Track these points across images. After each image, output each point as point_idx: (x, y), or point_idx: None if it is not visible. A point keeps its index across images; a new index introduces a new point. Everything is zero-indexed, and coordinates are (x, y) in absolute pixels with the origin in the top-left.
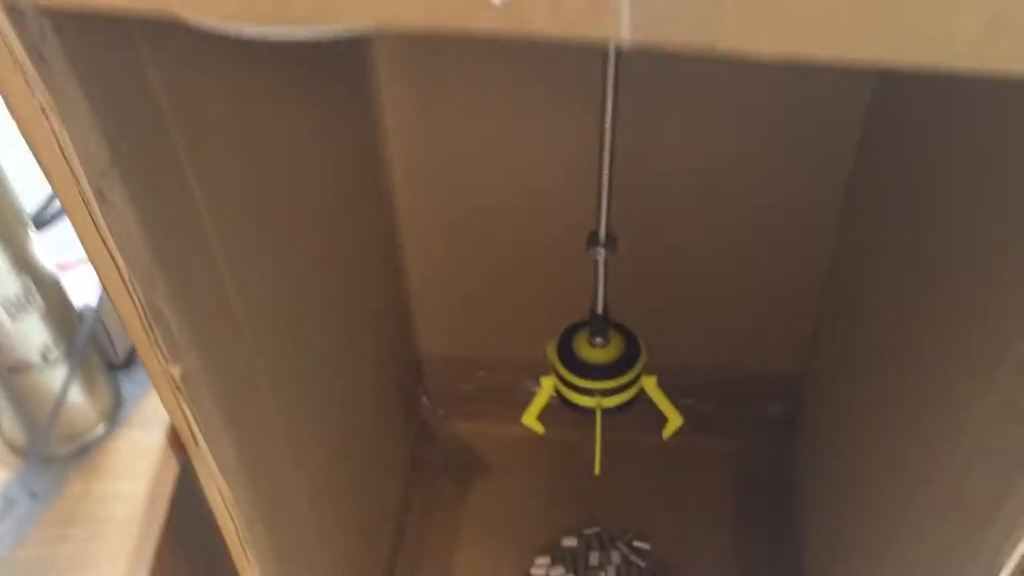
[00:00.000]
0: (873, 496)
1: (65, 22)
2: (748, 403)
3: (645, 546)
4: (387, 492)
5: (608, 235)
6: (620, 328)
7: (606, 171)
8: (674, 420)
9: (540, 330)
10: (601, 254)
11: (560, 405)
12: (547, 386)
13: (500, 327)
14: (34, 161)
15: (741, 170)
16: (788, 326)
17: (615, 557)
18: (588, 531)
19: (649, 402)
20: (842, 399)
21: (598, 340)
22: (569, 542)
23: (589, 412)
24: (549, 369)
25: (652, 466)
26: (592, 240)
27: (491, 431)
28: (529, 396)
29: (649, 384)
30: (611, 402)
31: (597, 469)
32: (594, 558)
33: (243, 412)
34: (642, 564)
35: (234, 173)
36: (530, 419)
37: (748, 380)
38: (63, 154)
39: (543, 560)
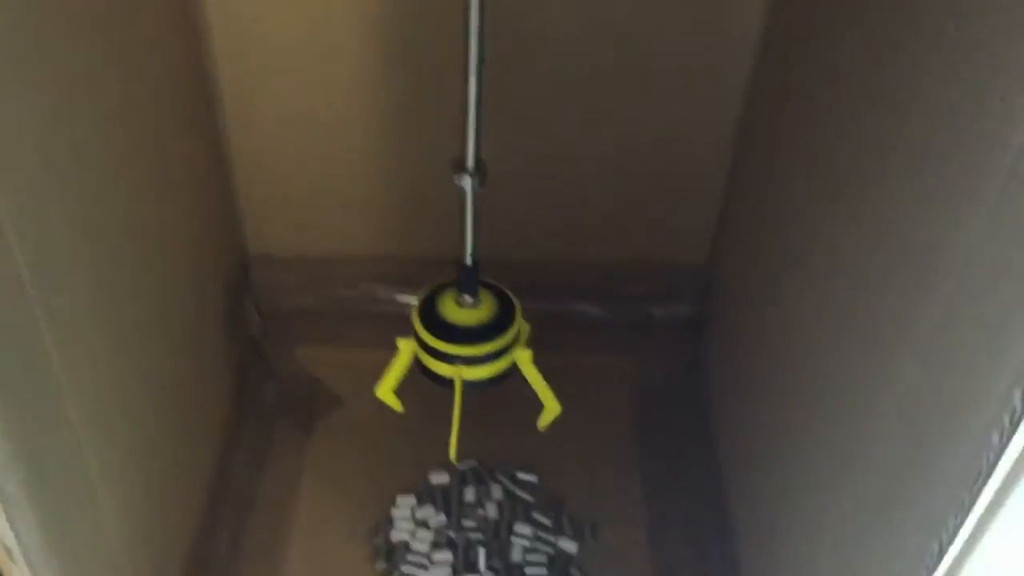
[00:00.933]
0: (805, 403)
1: None
2: (648, 305)
3: (531, 478)
4: (204, 442)
5: (478, 162)
6: (496, 291)
7: (473, 73)
8: (551, 407)
9: (397, 234)
10: (468, 184)
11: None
12: (405, 350)
13: (345, 228)
14: None
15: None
16: (691, 217)
17: (496, 492)
18: (461, 465)
19: (523, 383)
20: (756, 293)
21: (466, 299)
22: (439, 478)
23: (449, 385)
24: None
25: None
26: (458, 165)
27: (336, 357)
28: (384, 315)
29: (523, 359)
30: (473, 373)
31: (453, 455)
32: (470, 494)
33: None
34: (530, 499)
35: None
36: (385, 392)
37: (648, 278)
38: None
39: (406, 499)
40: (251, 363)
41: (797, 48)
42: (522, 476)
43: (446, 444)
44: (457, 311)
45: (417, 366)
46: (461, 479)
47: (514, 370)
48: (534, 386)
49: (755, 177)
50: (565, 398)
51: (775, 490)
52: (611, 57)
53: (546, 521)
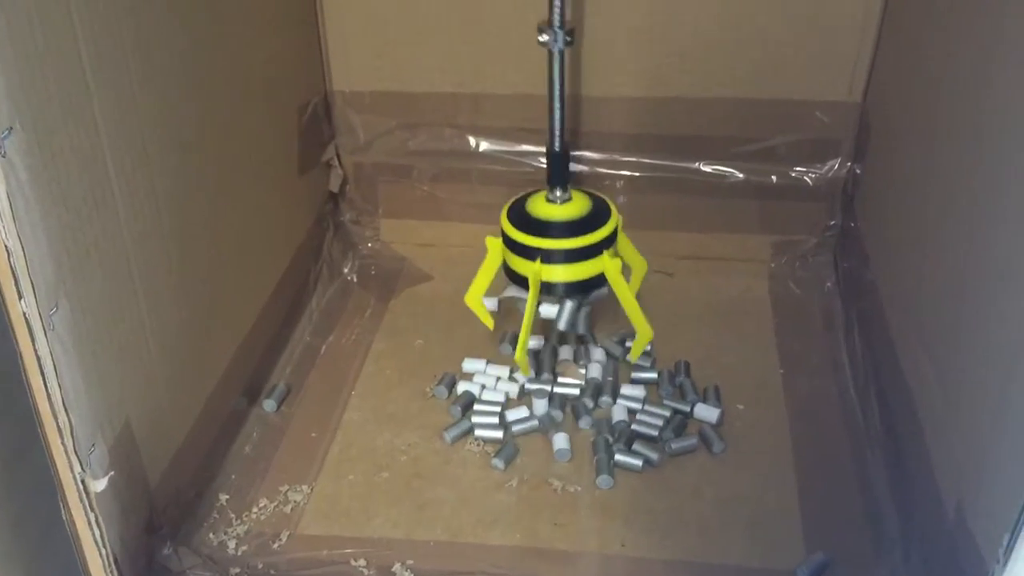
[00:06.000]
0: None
1: None
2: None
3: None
4: (267, 291)
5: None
6: (593, 197)
7: None
8: (642, 331)
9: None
10: (557, 40)
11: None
12: (493, 248)
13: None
14: None
15: None
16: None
17: (597, 354)
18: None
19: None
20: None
21: (556, 193)
22: (532, 341)
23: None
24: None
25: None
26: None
27: (421, 232)
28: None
29: (611, 268)
30: (552, 274)
31: (524, 371)
32: (567, 352)
33: None
34: (646, 365)
35: None
36: (474, 299)
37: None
38: None
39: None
40: (331, 227)
41: None
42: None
43: (540, 323)
44: (544, 206)
45: (504, 268)
46: (558, 339)
47: (600, 282)
48: (623, 303)
49: (909, 16)
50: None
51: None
52: None
53: (663, 383)
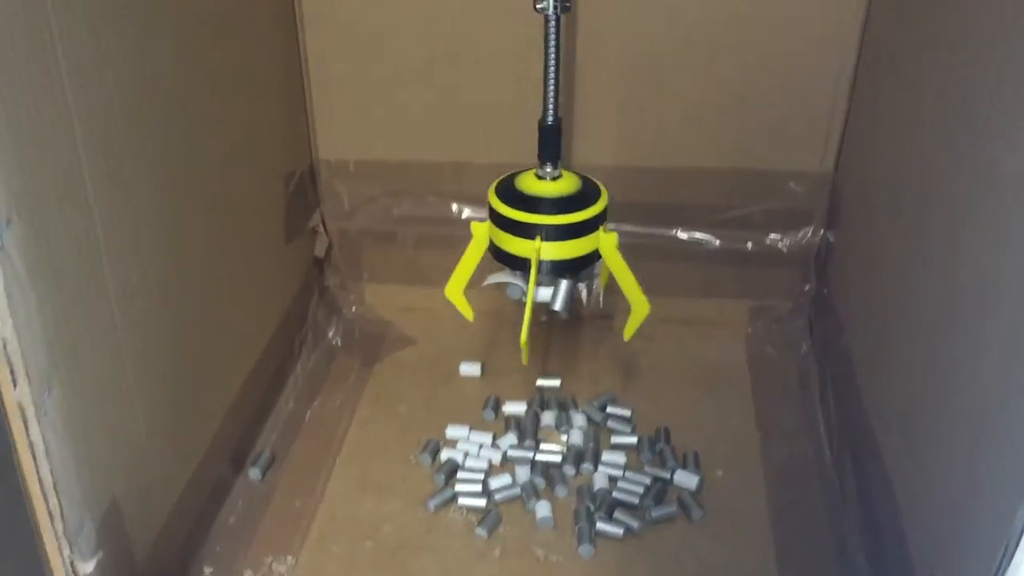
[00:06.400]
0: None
1: None
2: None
3: (624, 412)
4: (251, 360)
5: None
6: (578, 175)
7: None
8: (639, 306)
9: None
10: (557, 4)
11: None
12: (479, 233)
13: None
14: None
15: None
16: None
17: (579, 420)
18: (543, 382)
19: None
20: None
21: (547, 169)
22: (513, 408)
23: (527, 268)
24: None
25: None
26: None
27: (405, 295)
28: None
29: (607, 243)
30: (554, 252)
31: (524, 358)
32: (549, 419)
33: None
34: (623, 428)
35: None
36: (455, 291)
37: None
38: None
39: (465, 428)
40: (316, 293)
41: None
42: (614, 410)
43: (522, 383)
44: (537, 183)
45: (493, 252)
46: (540, 405)
47: (595, 258)
48: (619, 278)
49: (878, 87)
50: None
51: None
52: None
53: (643, 449)
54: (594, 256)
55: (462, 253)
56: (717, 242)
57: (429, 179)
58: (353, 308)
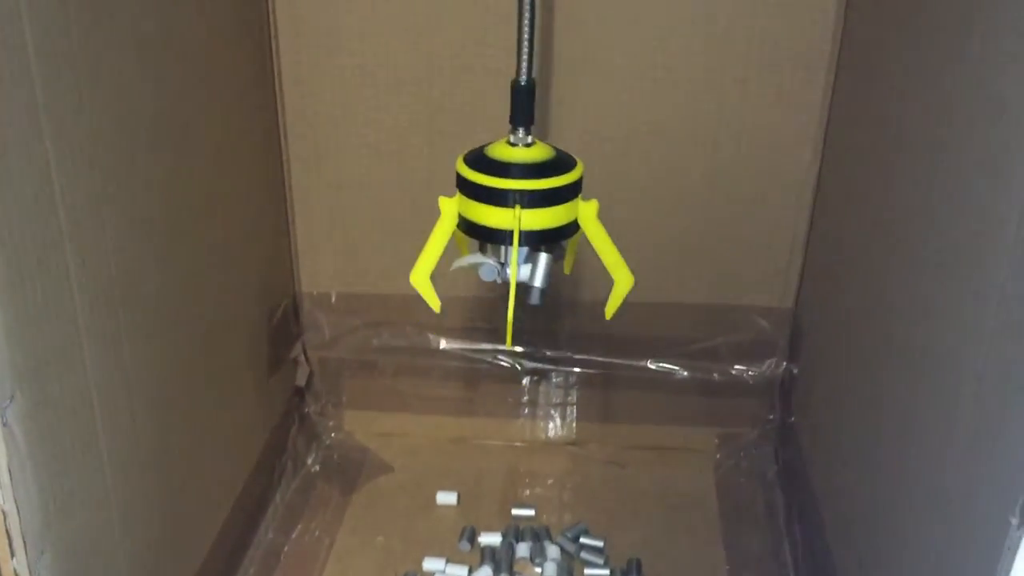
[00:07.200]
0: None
1: None
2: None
3: (597, 543)
4: (231, 493)
5: None
6: (550, 144)
7: None
8: (621, 279)
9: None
10: None
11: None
12: (448, 210)
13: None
14: None
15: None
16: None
17: (553, 552)
18: (518, 511)
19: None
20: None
21: (520, 135)
22: (489, 539)
23: (505, 240)
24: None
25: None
26: None
27: (385, 423)
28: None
29: (588, 213)
30: (535, 220)
31: (508, 341)
32: (523, 550)
33: None
34: (600, 563)
35: None
36: (421, 277)
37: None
38: None
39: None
40: (296, 420)
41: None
42: (587, 540)
43: (497, 513)
44: (510, 150)
45: (466, 228)
46: (515, 536)
47: (574, 229)
48: (599, 249)
49: (834, 232)
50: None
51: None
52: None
53: None
54: (573, 227)
55: (440, 381)
56: (685, 372)
57: (408, 310)
58: (333, 434)
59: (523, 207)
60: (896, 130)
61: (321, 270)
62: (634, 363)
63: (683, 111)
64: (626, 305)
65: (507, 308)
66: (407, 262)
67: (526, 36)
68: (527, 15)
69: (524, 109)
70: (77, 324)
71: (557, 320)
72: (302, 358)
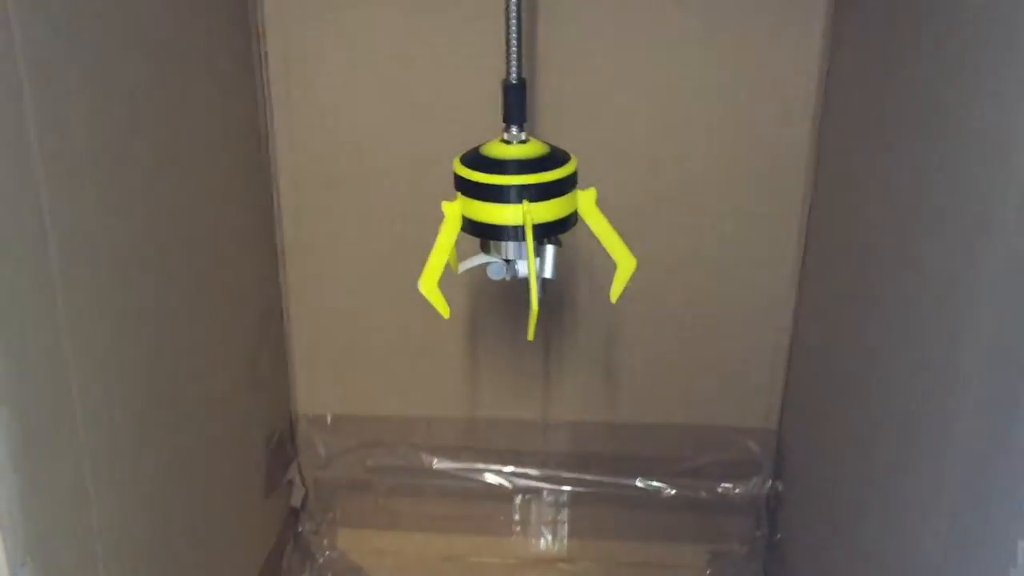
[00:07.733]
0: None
1: None
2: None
3: None
4: None
5: None
6: (542, 141)
7: None
8: (624, 262)
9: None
10: None
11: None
12: (452, 214)
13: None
14: None
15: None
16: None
17: None
18: None
19: None
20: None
21: (513, 132)
22: None
23: (515, 236)
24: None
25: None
26: None
27: (380, 542)
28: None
29: (587, 201)
30: (544, 212)
31: (531, 334)
32: None
33: None
34: None
35: None
36: (430, 285)
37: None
38: None
39: None
40: (291, 540)
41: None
42: None
43: None
44: (508, 148)
45: (472, 229)
46: None
47: (575, 219)
48: (600, 235)
49: (814, 356)
50: None
51: None
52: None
53: None
54: (574, 217)
55: (433, 500)
56: (673, 491)
57: (403, 432)
58: (327, 552)
59: (531, 201)
60: (873, 246)
61: (317, 393)
62: (623, 481)
63: (664, 241)
64: (614, 425)
65: (529, 304)
66: (399, 386)
67: (514, 33)
68: (514, 11)
69: (517, 108)
70: (83, 475)
71: (550, 439)
72: (297, 479)
